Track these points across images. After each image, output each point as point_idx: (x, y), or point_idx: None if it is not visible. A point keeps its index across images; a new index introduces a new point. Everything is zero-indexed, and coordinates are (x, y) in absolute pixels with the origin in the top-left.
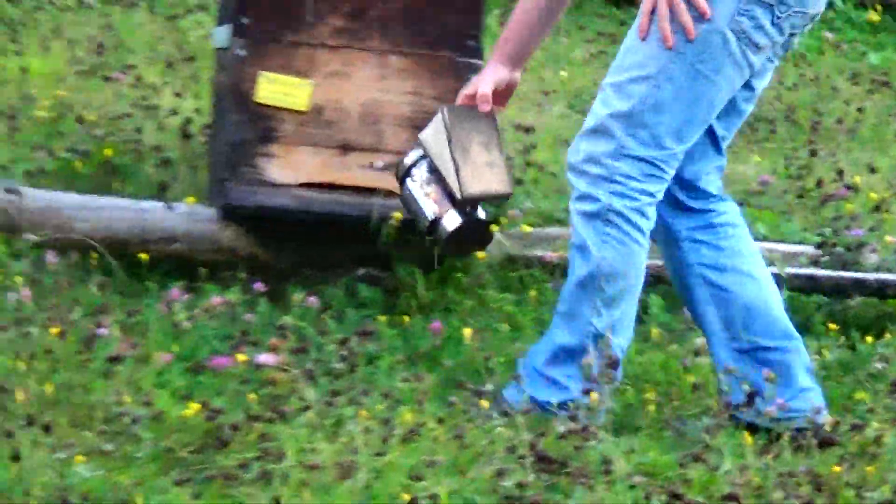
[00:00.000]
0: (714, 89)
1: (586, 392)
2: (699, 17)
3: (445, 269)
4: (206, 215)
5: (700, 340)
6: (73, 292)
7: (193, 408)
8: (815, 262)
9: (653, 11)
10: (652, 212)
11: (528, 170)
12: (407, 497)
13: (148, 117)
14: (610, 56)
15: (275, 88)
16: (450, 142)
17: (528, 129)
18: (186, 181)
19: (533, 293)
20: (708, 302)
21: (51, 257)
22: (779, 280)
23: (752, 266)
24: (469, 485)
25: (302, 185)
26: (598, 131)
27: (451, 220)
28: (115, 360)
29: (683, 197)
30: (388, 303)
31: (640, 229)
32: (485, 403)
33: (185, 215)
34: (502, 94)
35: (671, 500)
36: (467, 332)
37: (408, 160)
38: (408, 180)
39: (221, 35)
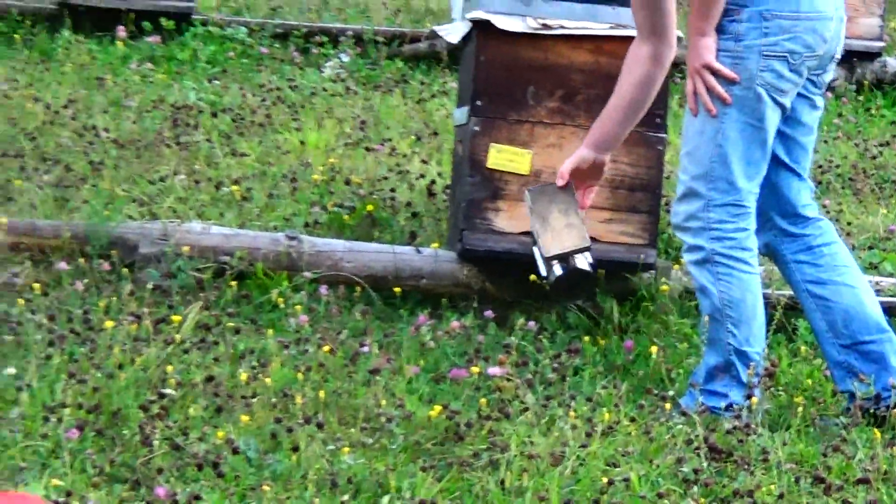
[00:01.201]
0: (762, 133)
1: (747, 397)
2: (731, 82)
3: (637, 300)
4: (448, 257)
5: None
6: (341, 318)
7: (436, 409)
8: None
9: (695, 92)
10: (750, 241)
11: None
12: (605, 480)
13: (401, 180)
14: None
15: (502, 157)
16: (531, 215)
17: None
18: (431, 230)
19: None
20: (814, 310)
21: (323, 290)
22: None
23: (846, 276)
24: (655, 470)
25: (524, 234)
26: (688, 194)
27: (556, 272)
28: (374, 371)
29: (786, 225)
30: (591, 326)
31: (743, 261)
32: (668, 406)
33: (431, 257)
34: (592, 173)
35: (815, 482)
36: (654, 349)
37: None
38: (534, 247)
39: (460, 114)
